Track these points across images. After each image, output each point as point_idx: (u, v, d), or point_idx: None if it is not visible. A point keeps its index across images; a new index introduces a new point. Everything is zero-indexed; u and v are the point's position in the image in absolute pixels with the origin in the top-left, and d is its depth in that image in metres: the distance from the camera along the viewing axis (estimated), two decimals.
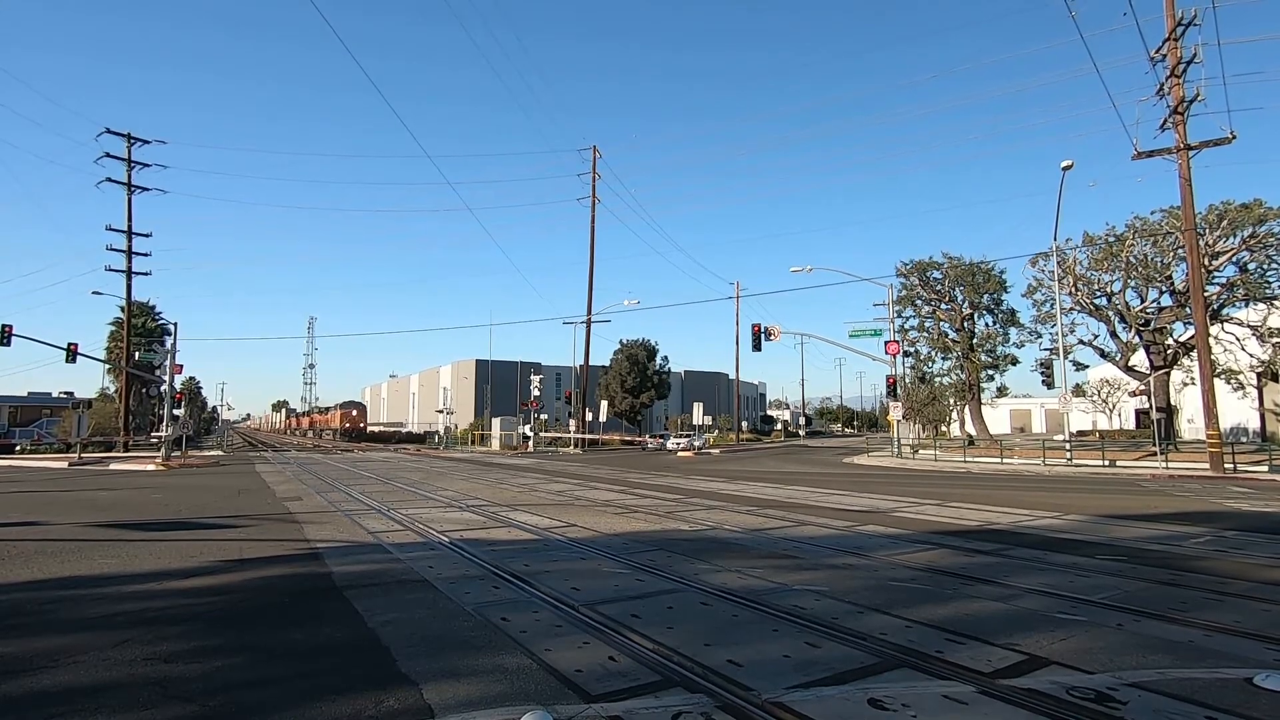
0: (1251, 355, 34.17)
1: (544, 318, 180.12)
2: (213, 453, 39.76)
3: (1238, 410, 41.53)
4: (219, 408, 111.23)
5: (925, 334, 48.29)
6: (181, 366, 33.78)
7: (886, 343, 34.99)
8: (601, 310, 43.95)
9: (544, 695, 3.96)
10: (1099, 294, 36.57)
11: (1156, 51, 19.87)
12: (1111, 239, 35.24)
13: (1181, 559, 8.08)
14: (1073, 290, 36.31)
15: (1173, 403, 36.56)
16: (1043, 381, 31.21)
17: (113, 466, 27.21)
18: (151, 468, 26.09)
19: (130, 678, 4.28)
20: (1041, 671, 4.31)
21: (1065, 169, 27.36)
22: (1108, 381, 52.77)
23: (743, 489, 17.42)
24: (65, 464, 28.23)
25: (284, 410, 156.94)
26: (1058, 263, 32.58)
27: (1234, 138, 19.16)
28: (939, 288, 47.01)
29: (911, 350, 47.43)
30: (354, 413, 77.76)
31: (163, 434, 29.17)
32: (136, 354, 39.98)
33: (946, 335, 47.33)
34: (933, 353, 48.50)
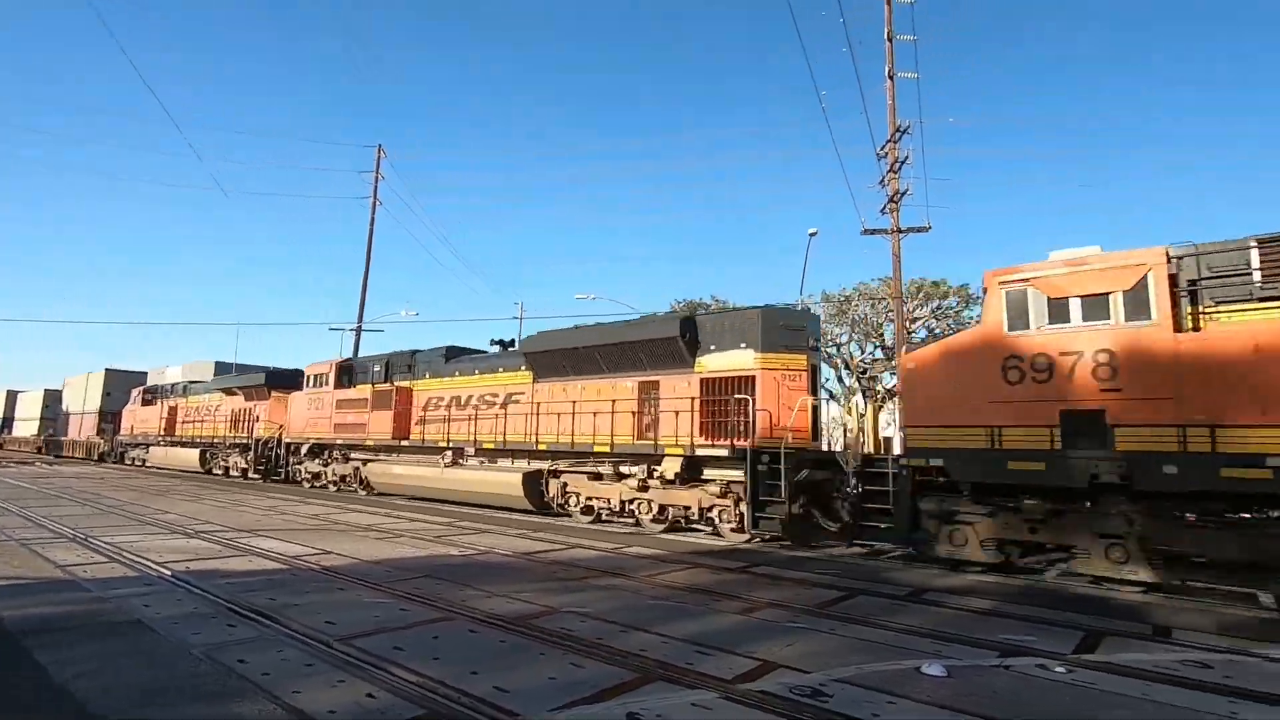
0: None
1: (307, 321, 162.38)
2: None
3: None
4: None
5: None
6: None
7: None
8: (375, 319, 41.09)
9: None
10: (831, 344, 43.01)
11: (881, 149, 24.16)
12: (841, 299, 41.82)
13: (880, 571, 9.78)
14: None
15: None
16: None
17: None
18: None
19: None
20: (772, 674, 4.95)
21: (811, 235, 31.77)
22: (834, 419, 61.82)
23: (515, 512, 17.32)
24: None
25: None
26: None
27: (929, 228, 23.89)
28: None
29: None
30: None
31: None
32: None
33: None
34: None
